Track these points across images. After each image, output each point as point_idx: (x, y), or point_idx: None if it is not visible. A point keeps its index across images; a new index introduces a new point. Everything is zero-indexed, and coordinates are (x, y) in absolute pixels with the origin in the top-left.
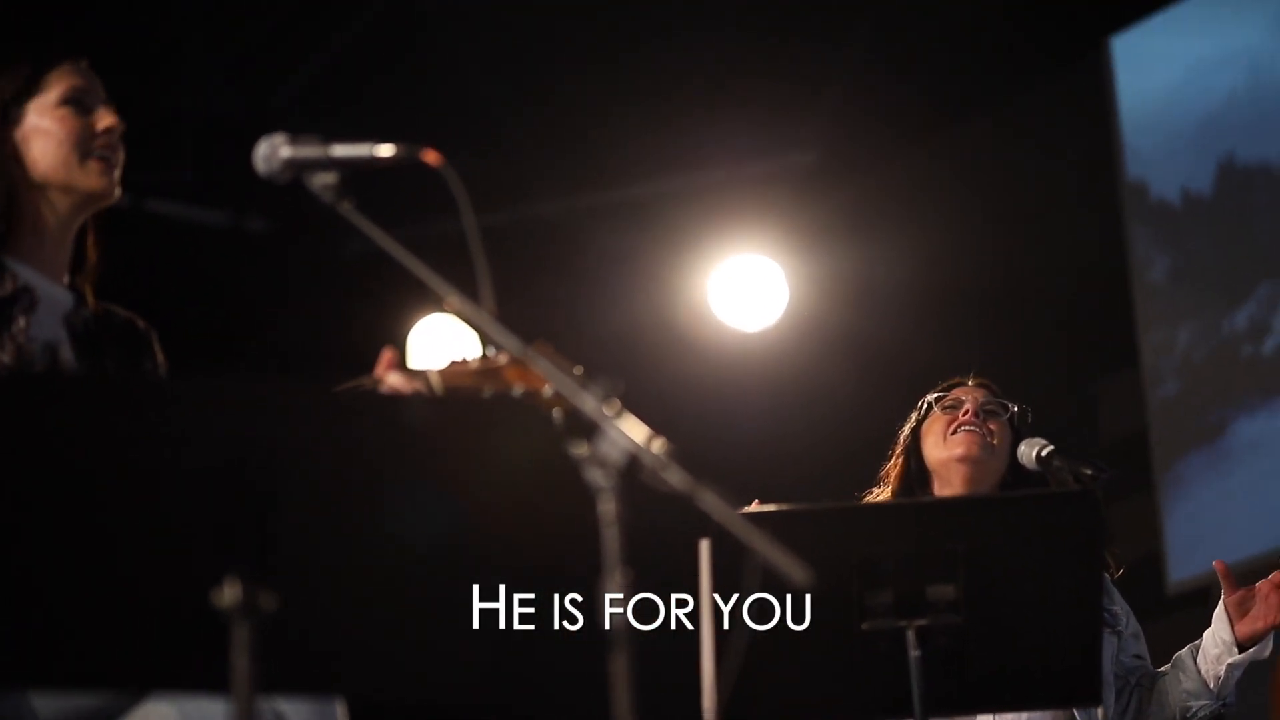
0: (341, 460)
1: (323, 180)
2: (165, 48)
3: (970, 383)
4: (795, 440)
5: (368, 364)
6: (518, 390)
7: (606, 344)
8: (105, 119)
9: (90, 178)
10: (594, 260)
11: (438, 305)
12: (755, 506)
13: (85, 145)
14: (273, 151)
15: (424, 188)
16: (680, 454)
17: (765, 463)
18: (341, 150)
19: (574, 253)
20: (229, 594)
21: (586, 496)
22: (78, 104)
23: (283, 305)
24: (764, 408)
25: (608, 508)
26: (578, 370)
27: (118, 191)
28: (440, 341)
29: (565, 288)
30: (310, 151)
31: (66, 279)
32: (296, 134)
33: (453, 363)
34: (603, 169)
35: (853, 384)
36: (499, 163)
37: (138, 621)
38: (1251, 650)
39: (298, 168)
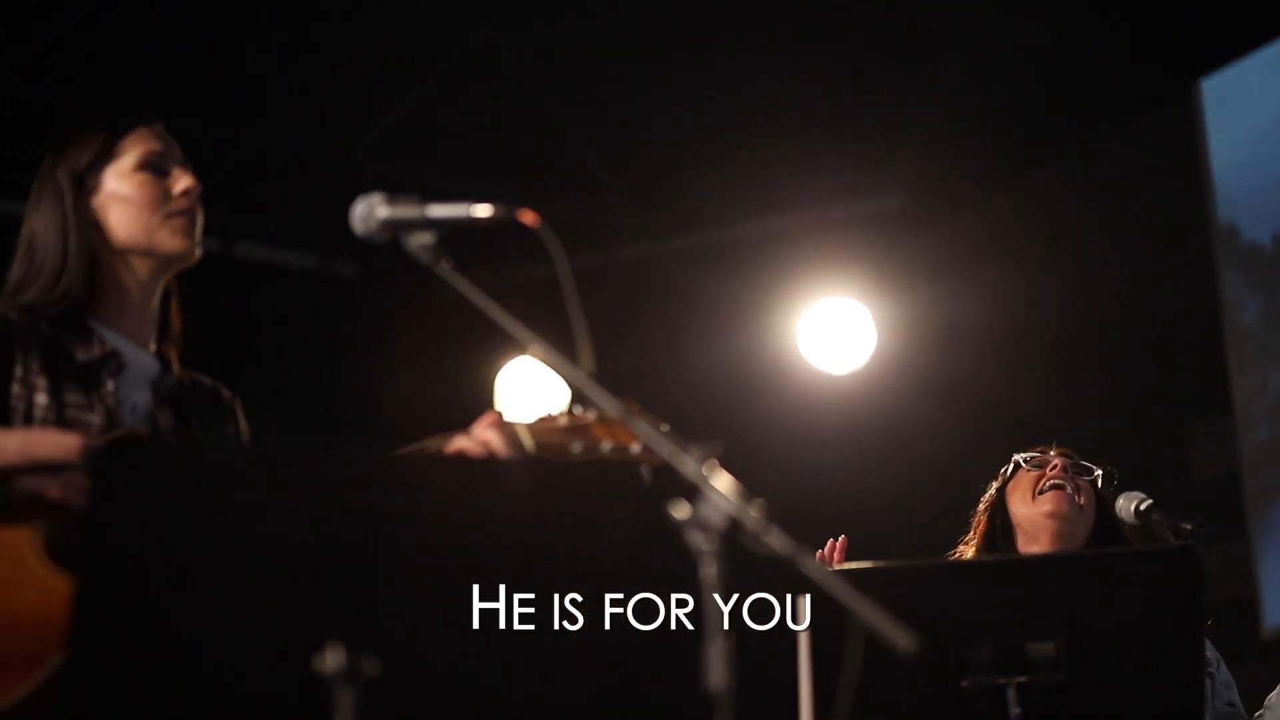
0: (443, 525)
1: (420, 240)
2: (251, 95)
3: (1053, 451)
4: (884, 482)
5: (456, 406)
6: (606, 447)
7: (696, 386)
8: (183, 181)
9: (170, 240)
10: (684, 303)
11: (524, 349)
12: (838, 547)
13: (164, 208)
14: (370, 211)
15: (515, 232)
16: (775, 512)
17: (853, 504)
18: (438, 210)
19: (664, 295)
20: (331, 659)
21: (684, 557)
22: (154, 168)
23: (371, 346)
24: (853, 450)
25: (709, 571)
26: (665, 429)
27: (198, 252)
28: (527, 385)
29: (655, 330)
30: (408, 212)
31: (153, 345)
32: (394, 193)
33: (541, 419)
34: (692, 212)
35: (941, 426)
36: (588, 206)
37: (242, 686)
38: None
39: (395, 228)
